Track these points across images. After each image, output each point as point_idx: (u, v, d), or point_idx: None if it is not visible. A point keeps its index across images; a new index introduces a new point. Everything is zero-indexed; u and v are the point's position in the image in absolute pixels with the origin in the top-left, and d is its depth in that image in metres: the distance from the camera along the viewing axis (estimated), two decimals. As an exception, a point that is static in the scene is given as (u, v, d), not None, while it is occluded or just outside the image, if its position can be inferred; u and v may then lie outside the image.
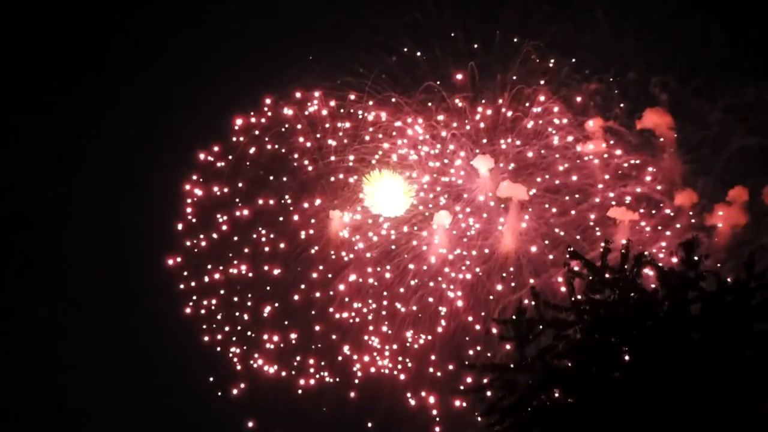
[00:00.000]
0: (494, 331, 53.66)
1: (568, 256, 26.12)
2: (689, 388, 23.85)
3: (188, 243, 67.56)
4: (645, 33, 64.53)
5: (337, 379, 64.95)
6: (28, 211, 70.27)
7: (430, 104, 66.28)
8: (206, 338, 67.06)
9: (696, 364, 24.21)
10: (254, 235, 67.44)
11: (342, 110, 66.86)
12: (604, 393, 24.24)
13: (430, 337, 61.00)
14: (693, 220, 61.86)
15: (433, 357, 59.18)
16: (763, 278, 24.31)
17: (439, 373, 57.98)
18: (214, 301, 66.99)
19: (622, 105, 64.22)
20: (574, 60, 65.75)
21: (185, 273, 67.32)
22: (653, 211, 62.63)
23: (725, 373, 24.19)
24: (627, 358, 24.57)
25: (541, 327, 25.25)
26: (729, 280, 24.62)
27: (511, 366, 25.00)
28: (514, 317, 25.28)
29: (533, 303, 25.38)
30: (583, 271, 25.61)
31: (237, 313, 66.87)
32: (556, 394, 24.84)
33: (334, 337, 65.44)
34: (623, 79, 64.68)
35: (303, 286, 66.39)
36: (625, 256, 25.31)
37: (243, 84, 69.02)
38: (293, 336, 66.05)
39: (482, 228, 64.80)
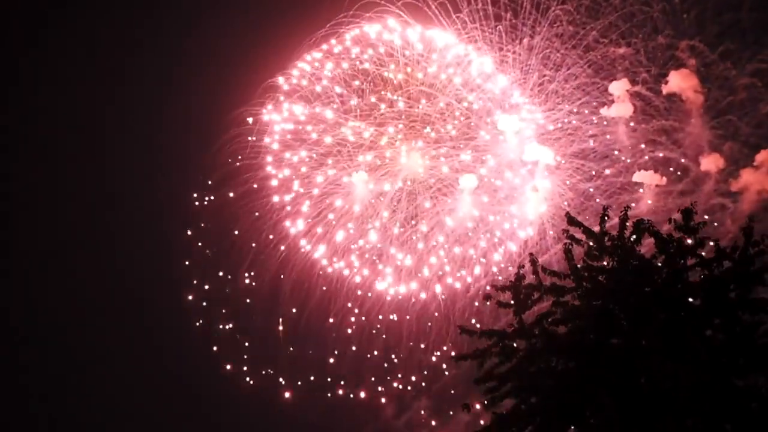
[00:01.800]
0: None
1: (567, 222, 26.17)
2: (687, 354, 23.92)
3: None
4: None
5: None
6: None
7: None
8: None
9: (694, 330, 24.28)
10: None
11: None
12: (602, 359, 24.34)
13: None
14: (719, 185, 61.38)
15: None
16: (761, 244, 24.29)
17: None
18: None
19: (650, 70, 63.63)
20: (602, 24, 65.15)
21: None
22: (678, 173, 62.17)
23: (724, 338, 24.26)
24: (625, 324, 24.63)
25: (539, 293, 25.37)
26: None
27: (510, 332, 25.13)
28: (512, 283, 25.40)
29: (532, 269, 25.50)
30: (582, 237, 25.67)
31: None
32: (554, 361, 24.94)
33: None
34: (651, 43, 64.07)
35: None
36: (624, 223, 25.34)
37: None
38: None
39: (508, 192, 64.59)
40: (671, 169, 62.49)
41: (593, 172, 64.15)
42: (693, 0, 63.43)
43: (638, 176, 62.13)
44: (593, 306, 24.84)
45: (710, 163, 61.41)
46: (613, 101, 63.61)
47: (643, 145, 63.27)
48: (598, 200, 62.51)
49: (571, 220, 26.15)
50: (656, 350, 23.97)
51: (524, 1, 65.76)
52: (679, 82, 61.59)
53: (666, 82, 62.48)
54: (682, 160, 62.23)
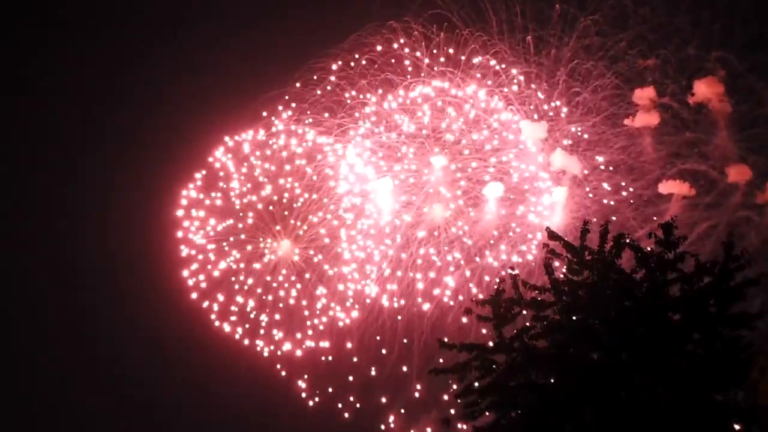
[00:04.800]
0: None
1: (547, 236, 26.16)
2: (667, 369, 23.84)
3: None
4: (703, 6, 63.23)
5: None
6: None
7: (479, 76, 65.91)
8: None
9: (674, 345, 24.19)
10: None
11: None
12: (582, 374, 24.30)
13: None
14: (746, 198, 60.58)
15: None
16: (740, 259, 24.16)
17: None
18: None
19: (678, 82, 63.05)
20: (630, 35, 64.75)
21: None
22: (705, 185, 61.39)
23: (703, 353, 24.16)
24: (605, 338, 24.56)
25: (519, 308, 25.37)
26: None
27: (490, 346, 25.15)
28: (492, 297, 25.42)
29: (512, 283, 25.50)
30: (562, 251, 25.64)
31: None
32: (534, 375, 24.93)
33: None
34: (680, 54, 63.51)
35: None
36: (604, 237, 25.28)
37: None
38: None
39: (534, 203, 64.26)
40: (698, 182, 61.78)
41: (620, 184, 63.67)
42: (722, 11, 62.82)
43: (665, 187, 61.44)
44: (573, 320, 24.80)
45: (738, 174, 60.58)
46: (640, 112, 63.05)
47: (669, 157, 62.64)
48: (624, 212, 62.06)
49: (552, 235, 26.14)
50: (636, 365, 23.92)
51: (551, 12, 65.60)
52: (705, 90, 60.91)
53: (693, 94, 61.81)
54: (709, 172, 61.51)
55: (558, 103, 65.59)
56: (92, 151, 72.97)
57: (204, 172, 69.11)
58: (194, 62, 71.87)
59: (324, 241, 66.04)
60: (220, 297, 67.66)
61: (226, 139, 68.26)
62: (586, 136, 64.26)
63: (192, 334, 68.19)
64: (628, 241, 25.23)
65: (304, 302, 66.17)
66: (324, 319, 66.38)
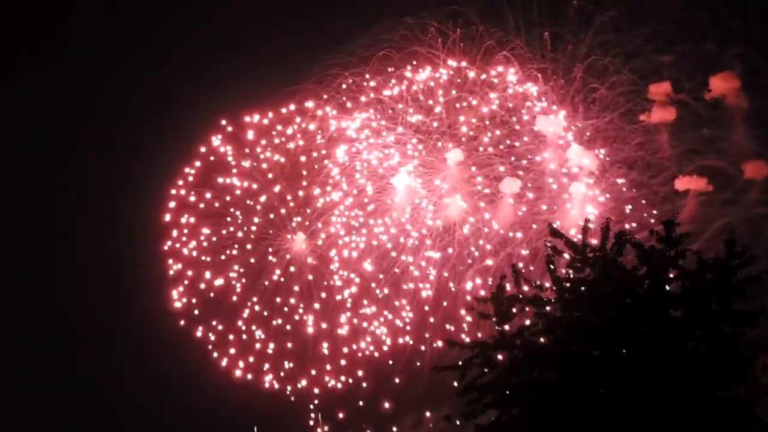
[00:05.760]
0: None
1: (549, 233, 26.11)
2: (669, 366, 23.75)
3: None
4: (721, 2, 62.96)
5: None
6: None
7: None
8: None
9: (676, 342, 24.09)
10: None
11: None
12: (584, 370, 24.24)
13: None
14: (763, 195, 60.35)
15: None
16: (742, 256, 24.03)
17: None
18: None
19: (694, 77, 62.85)
20: (647, 31, 64.55)
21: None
22: (722, 182, 61.12)
23: (705, 350, 24.05)
24: (606, 335, 24.49)
25: (520, 305, 25.32)
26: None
27: (491, 343, 25.12)
28: (493, 294, 25.39)
29: (513, 280, 25.46)
30: (564, 249, 25.59)
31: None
32: (536, 372, 24.89)
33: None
34: (697, 50, 63.27)
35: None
36: (606, 234, 25.21)
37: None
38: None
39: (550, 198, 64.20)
40: (715, 178, 61.56)
41: (637, 180, 63.56)
42: (739, 7, 62.51)
43: (682, 183, 61.34)
44: (575, 317, 24.73)
45: (755, 170, 60.39)
46: (657, 108, 62.91)
47: (686, 153, 62.46)
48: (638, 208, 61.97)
49: (553, 232, 26.07)
50: (637, 362, 23.84)
51: (568, 9, 65.47)
52: (721, 85, 60.74)
53: (709, 90, 61.61)
54: (726, 168, 61.28)
55: (574, 99, 65.37)
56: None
57: (198, 163, 64.24)
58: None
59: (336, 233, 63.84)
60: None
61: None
62: (602, 132, 64.02)
63: (181, 372, 60.47)
64: (629, 238, 25.05)
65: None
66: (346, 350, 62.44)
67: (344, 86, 65.52)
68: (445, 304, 63.30)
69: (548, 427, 24.21)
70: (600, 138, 64.40)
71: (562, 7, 65.46)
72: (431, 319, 63.58)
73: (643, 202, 62.81)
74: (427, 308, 63.32)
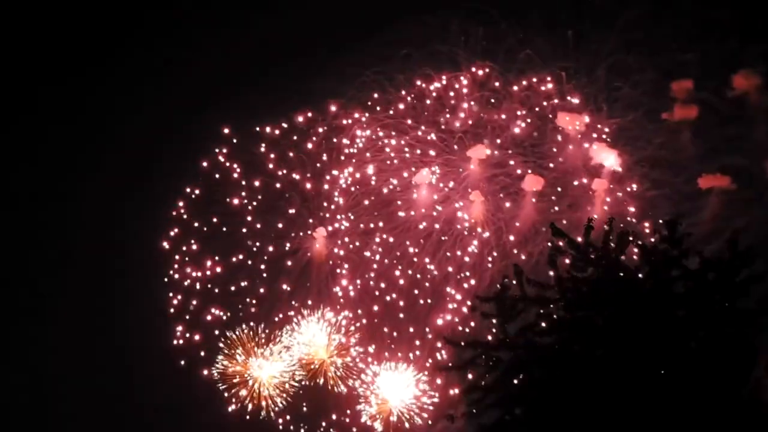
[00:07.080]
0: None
1: (551, 233, 26.10)
2: (672, 366, 23.73)
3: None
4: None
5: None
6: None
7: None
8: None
9: (679, 342, 24.06)
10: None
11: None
12: (587, 371, 24.24)
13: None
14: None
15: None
16: (746, 256, 23.97)
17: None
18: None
19: (717, 75, 62.53)
20: (670, 29, 64.29)
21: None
22: (744, 181, 60.71)
23: (708, 350, 24.00)
24: (609, 335, 24.48)
25: (523, 304, 25.34)
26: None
27: (494, 343, 25.15)
28: (496, 294, 25.41)
29: (516, 280, 25.47)
30: (566, 248, 25.59)
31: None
32: (538, 372, 24.91)
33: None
34: (720, 48, 62.96)
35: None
36: (609, 234, 25.19)
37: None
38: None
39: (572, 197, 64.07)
40: (738, 176, 61.20)
41: (660, 179, 63.34)
42: (764, 4, 62.15)
43: (705, 181, 61.04)
44: (577, 317, 24.74)
45: (777, 169, 60.01)
46: (679, 107, 62.70)
47: (709, 152, 62.17)
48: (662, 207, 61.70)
49: (556, 231, 26.04)
50: (640, 362, 23.83)
51: (592, 7, 65.34)
52: (743, 82, 60.44)
53: (732, 88, 61.33)
54: (750, 167, 60.91)
55: (598, 98, 65.31)
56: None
57: (200, 179, 62.32)
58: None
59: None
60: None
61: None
62: (624, 130, 63.92)
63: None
64: (631, 238, 25.06)
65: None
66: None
67: (364, 85, 65.68)
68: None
69: (551, 426, 24.26)
70: (623, 137, 64.28)
71: (586, 6, 65.41)
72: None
73: (666, 200, 62.53)
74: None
